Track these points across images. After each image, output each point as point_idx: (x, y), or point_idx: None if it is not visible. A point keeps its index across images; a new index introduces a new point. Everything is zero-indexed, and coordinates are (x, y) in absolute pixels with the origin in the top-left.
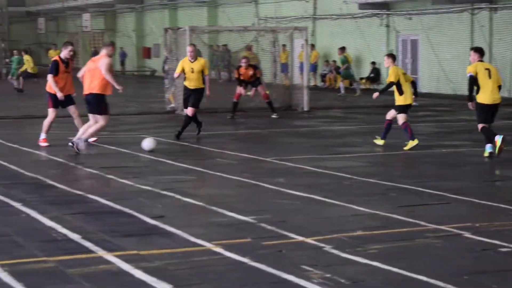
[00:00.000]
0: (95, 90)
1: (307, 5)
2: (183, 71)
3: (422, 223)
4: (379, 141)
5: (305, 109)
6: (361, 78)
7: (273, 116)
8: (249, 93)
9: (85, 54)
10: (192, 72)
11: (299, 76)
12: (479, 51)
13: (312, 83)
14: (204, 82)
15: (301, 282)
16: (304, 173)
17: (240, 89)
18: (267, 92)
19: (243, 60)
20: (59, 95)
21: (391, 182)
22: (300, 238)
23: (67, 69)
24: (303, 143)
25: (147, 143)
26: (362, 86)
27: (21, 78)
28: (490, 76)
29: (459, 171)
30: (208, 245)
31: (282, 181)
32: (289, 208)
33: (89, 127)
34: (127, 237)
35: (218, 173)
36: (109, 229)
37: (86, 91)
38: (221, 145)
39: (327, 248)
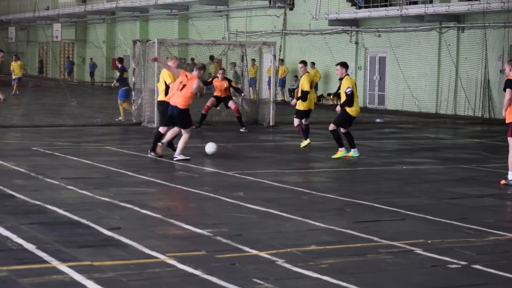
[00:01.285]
0: (180, 105)
1: (277, 20)
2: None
3: (375, 238)
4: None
5: (271, 123)
6: (329, 94)
7: (242, 130)
8: (218, 108)
9: (55, 64)
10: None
11: (267, 90)
12: (346, 65)
13: (280, 98)
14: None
15: None
16: (265, 188)
17: (211, 101)
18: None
19: (220, 71)
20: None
21: (349, 198)
22: (254, 252)
23: None
24: (266, 158)
25: (210, 148)
26: (331, 102)
27: None
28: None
29: (416, 188)
30: (162, 257)
31: (242, 195)
32: (246, 222)
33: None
34: (82, 248)
35: (179, 186)
36: (65, 240)
37: (171, 100)
38: None
39: (280, 262)
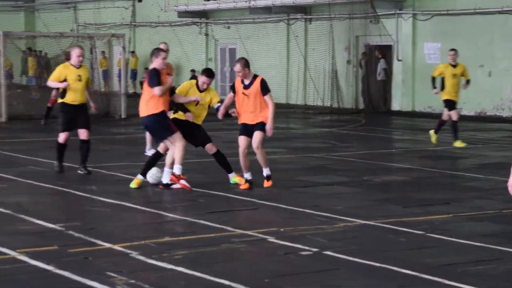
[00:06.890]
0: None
1: (126, 12)
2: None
3: (229, 228)
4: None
5: (123, 116)
6: None
7: (42, 123)
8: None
9: None
10: (80, 81)
11: (118, 83)
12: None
13: (131, 90)
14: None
15: None
16: (117, 181)
17: (55, 94)
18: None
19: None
20: None
21: (202, 189)
22: (108, 245)
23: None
24: (118, 150)
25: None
26: None
27: None
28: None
29: None
30: (12, 253)
31: (94, 189)
32: (99, 215)
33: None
34: None
35: (29, 181)
36: None
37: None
38: (35, 152)
39: (134, 254)
